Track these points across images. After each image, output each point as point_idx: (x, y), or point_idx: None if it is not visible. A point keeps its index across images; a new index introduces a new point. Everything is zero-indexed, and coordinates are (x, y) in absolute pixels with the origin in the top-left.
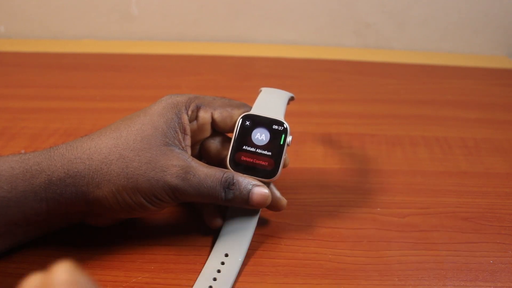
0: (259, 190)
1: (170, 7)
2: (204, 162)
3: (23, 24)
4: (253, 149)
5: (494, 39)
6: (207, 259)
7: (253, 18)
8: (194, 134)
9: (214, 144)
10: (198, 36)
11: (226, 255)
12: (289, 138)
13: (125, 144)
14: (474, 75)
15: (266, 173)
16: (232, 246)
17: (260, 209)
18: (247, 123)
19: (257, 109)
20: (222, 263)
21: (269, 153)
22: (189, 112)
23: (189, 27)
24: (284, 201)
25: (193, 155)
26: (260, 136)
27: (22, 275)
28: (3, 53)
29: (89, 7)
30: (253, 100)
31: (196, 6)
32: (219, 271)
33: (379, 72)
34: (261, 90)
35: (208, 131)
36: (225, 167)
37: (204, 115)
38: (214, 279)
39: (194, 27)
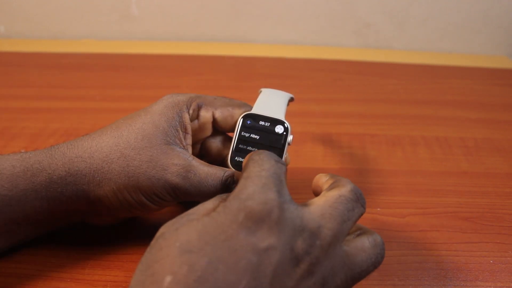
0: None
1: (170, 7)
2: (205, 161)
3: (23, 24)
4: (254, 149)
5: (494, 39)
6: None
7: (253, 18)
8: (195, 133)
9: (215, 143)
10: (198, 36)
11: None
12: (290, 138)
13: (126, 142)
14: (474, 75)
15: None
16: None
17: None
18: (248, 122)
19: (258, 108)
20: None
21: None
22: (190, 111)
23: (189, 27)
24: None
25: (194, 154)
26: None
27: (22, 275)
28: (3, 53)
29: (89, 7)
30: (253, 100)
31: (196, 6)
32: None
33: (379, 72)
34: (261, 91)
35: (209, 130)
36: (226, 166)
37: (205, 114)
38: None
39: (194, 27)
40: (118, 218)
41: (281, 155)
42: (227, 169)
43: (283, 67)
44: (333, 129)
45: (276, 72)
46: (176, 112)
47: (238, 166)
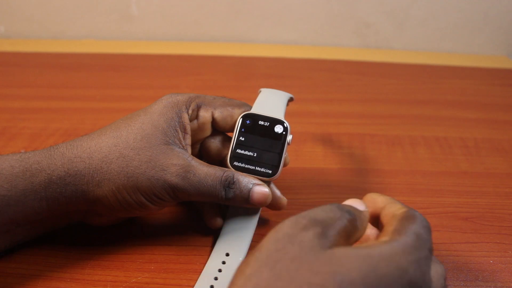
0: (259, 189)
1: (170, 7)
2: (204, 161)
3: (23, 24)
4: (253, 149)
5: (494, 39)
6: (208, 259)
7: (253, 18)
8: (194, 133)
9: (215, 143)
10: (198, 36)
11: (227, 255)
12: (289, 137)
13: (125, 143)
14: (474, 75)
15: (266, 172)
16: (233, 246)
17: (261, 208)
18: (248, 122)
19: (258, 108)
20: (223, 263)
21: (270, 152)
22: (190, 111)
23: (189, 27)
24: (284, 200)
25: (193, 154)
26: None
27: (22, 275)
28: (3, 53)
29: (89, 7)
30: (253, 100)
31: (196, 6)
32: (220, 270)
33: (379, 72)
34: (260, 91)
35: (208, 130)
36: (225, 166)
37: (205, 114)
38: (216, 279)
39: (194, 27)
40: (118, 218)
41: (281, 155)
42: (226, 169)
43: (283, 67)
44: (333, 129)
45: (276, 72)
46: (175, 112)
47: (237, 166)
